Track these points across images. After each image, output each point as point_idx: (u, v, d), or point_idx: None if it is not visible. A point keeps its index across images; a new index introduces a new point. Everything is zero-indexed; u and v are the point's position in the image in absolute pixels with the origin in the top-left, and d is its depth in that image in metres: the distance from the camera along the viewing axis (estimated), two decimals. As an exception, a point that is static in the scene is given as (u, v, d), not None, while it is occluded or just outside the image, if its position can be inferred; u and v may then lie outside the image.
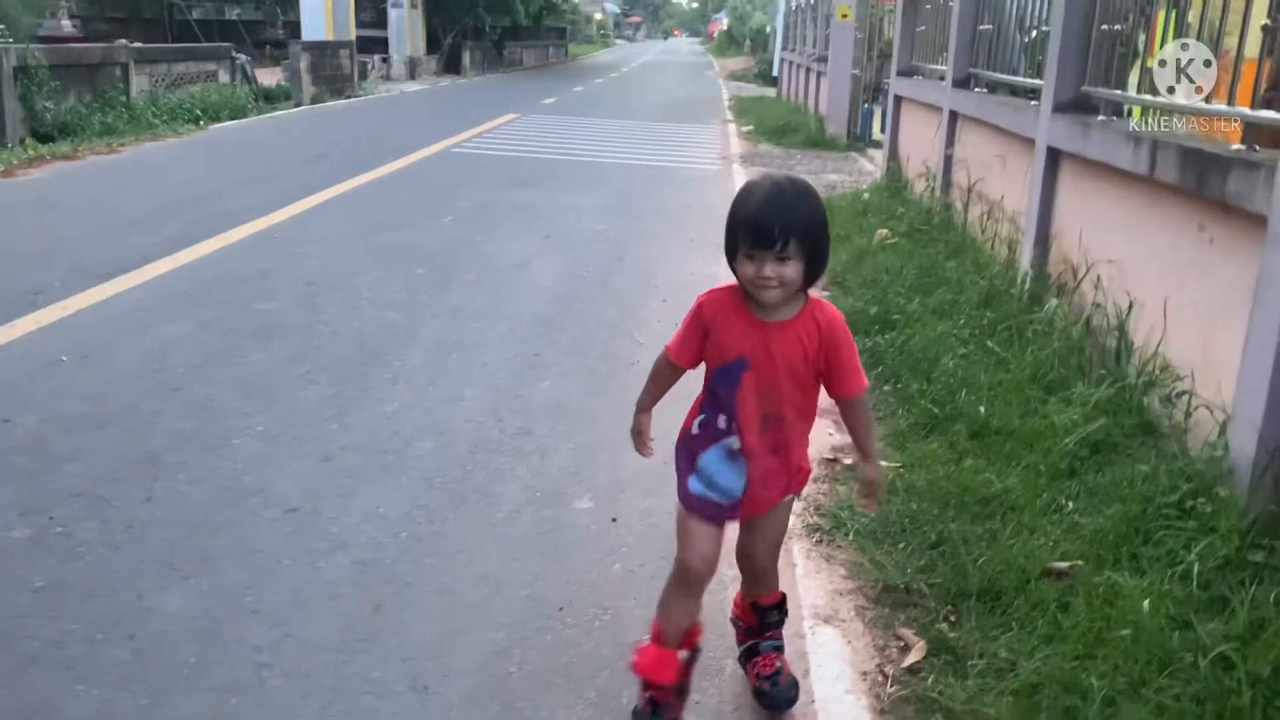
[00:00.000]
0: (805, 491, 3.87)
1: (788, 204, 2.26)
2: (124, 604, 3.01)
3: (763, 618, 2.75)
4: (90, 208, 9.15)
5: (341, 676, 2.72)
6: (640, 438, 2.62)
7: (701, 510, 2.50)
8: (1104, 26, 5.27)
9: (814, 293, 2.43)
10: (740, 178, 12.05)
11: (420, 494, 3.81)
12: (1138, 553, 3.26)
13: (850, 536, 3.57)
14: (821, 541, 3.59)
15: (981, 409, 4.42)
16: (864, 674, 2.85)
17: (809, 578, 3.35)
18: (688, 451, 2.53)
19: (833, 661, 2.90)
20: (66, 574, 3.15)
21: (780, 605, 2.78)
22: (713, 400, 2.47)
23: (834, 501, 3.85)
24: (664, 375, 2.57)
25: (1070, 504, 3.64)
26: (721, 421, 2.46)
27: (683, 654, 2.64)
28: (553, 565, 3.35)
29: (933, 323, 5.69)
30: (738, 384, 2.41)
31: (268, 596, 3.08)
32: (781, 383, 2.41)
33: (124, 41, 16.82)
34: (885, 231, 8.20)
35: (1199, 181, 3.91)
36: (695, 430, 2.52)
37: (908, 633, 3.01)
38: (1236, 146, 3.87)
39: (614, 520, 3.68)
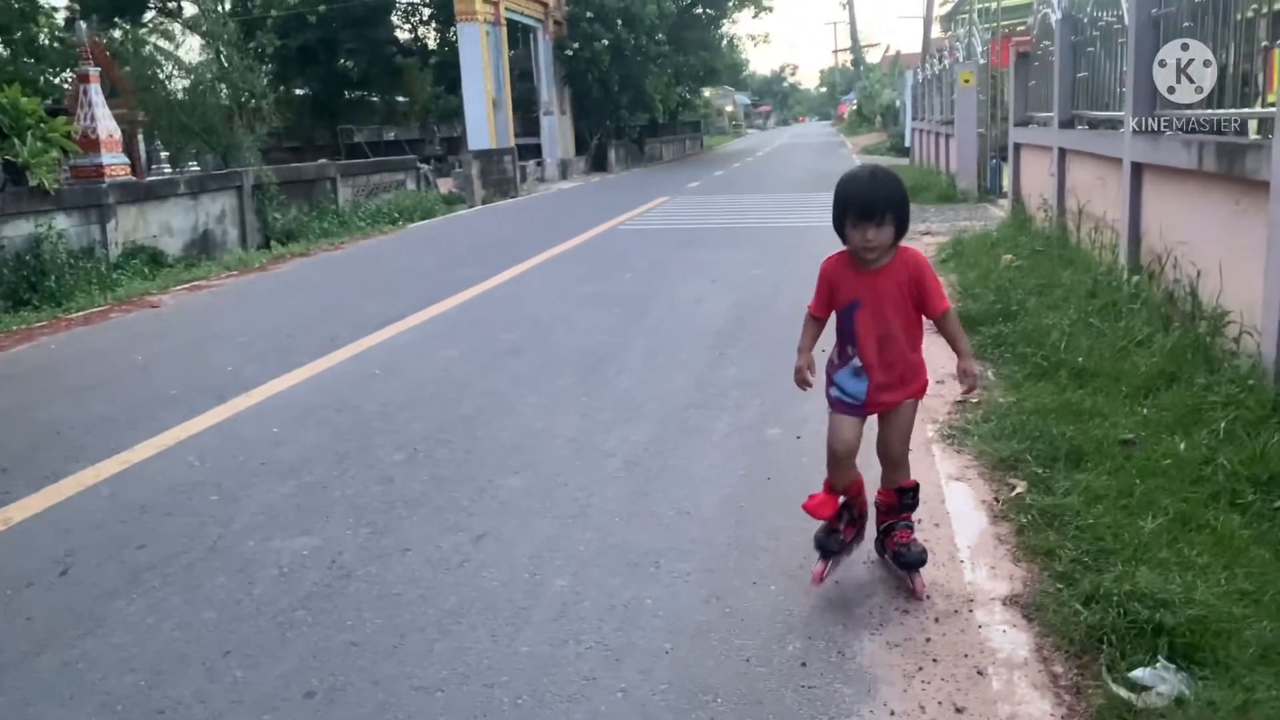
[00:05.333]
0: (942, 416, 5.24)
1: (882, 185, 3.21)
2: (479, 486, 4.61)
3: (900, 498, 3.50)
4: (340, 285, 11.26)
5: (632, 512, 4.22)
6: (800, 373, 3.46)
7: (839, 407, 3.41)
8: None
9: (902, 243, 3.34)
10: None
11: (657, 428, 5.34)
12: (1190, 431, 4.47)
13: (975, 439, 4.88)
14: (953, 443, 4.90)
15: (1080, 359, 5.67)
16: (983, 501, 4.18)
17: (944, 460, 4.68)
18: (829, 374, 3.46)
19: (961, 497, 4.24)
20: (439, 473, 4.79)
21: (914, 490, 3.54)
22: (840, 335, 3.39)
23: (963, 420, 5.15)
24: (810, 326, 3.49)
25: (1143, 410, 4.87)
26: (850, 350, 3.36)
27: (844, 499, 3.51)
28: (757, 460, 4.79)
29: (1046, 313, 6.93)
30: (854, 320, 3.32)
31: (574, 481, 4.64)
32: (887, 311, 3.28)
33: (325, 160, 19.56)
34: (1009, 256, 9.43)
35: (1230, 165, 5.15)
36: (834, 358, 3.44)
37: (1013, 480, 4.31)
38: (1254, 136, 5.12)
39: (798, 438, 5.09)
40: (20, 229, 10.80)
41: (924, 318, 3.40)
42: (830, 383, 3.46)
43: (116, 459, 5.17)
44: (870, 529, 3.66)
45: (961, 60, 18.87)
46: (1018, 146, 12.10)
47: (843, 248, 3.36)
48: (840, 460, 3.42)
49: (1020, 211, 11.88)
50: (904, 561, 3.44)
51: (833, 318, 3.44)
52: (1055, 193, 9.69)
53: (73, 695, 3.04)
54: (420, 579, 3.70)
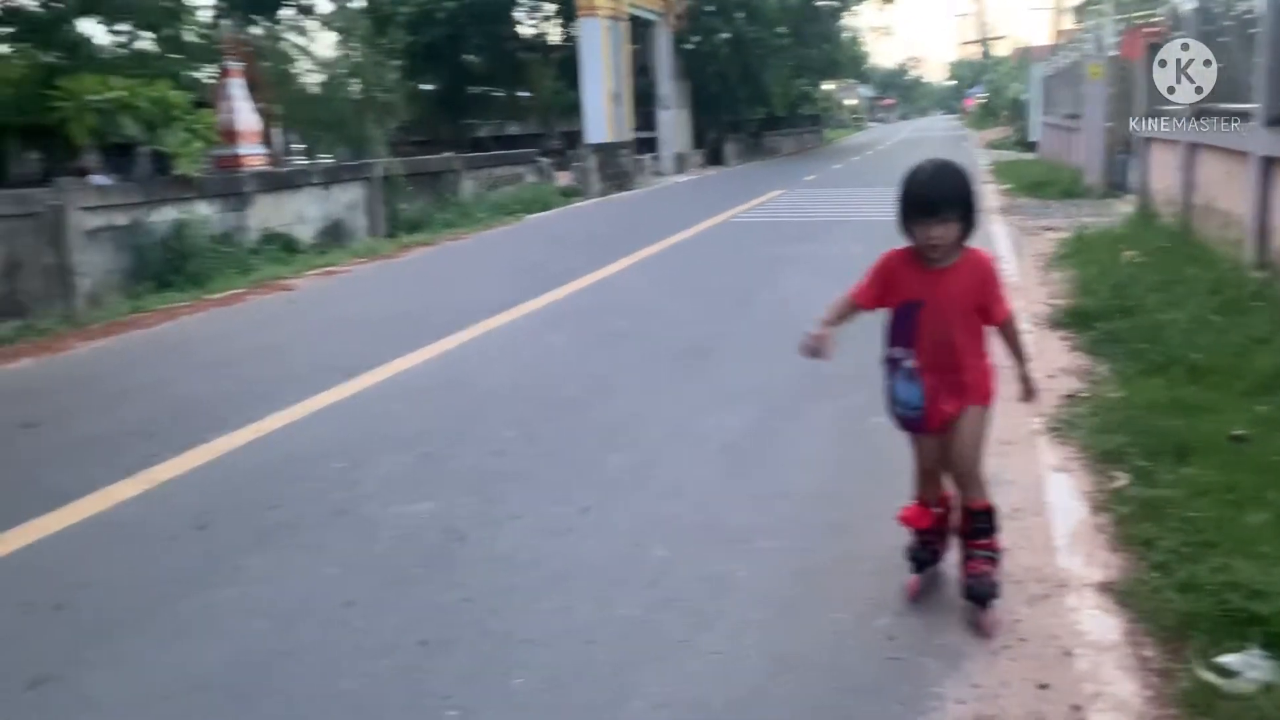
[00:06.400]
0: (1049, 407, 5.20)
1: (949, 179, 3.00)
2: (583, 463, 4.81)
3: (973, 521, 3.20)
4: (460, 274, 11.66)
5: (729, 491, 4.36)
6: (818, 341, 3.22)
7: (905, 426, 3.24)
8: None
9: (969, 244, 3.13)
10: (999, 227, 13.17)
11: (756, 414, 5.45)
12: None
13: (1081, 432, 4.84)
14: (1059, 435, 4.87)
15: (1196, 355, 5.54)
16: (1084, 492, 4.17)
17: (1047, 451, 4.67)
18: (885, 380, 3.25)
19: (1062, 488, 4.24)
20: (547, 449, 5.02)
21: (988, 513, 3.20)
22: (894, 334, 3.18)
23: (1070, 414, 5.10)
24: (844, 309, 3.27)
25: (1259, 407, 4.76)
26: (899, 352, 3.16)
27: (937, 510, 3.35)
28: (857, 448, 4.86)
29: (1165, 309, 6.76)
30: (914, 320, 3.11)
31: (674, 461, 4.79)
32: (948, 316, 3.08)
33: (450, 154, 20.15)
34: (1132, 252, 9.19)
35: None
36: (885, 361, 3.22)
37: (1116, 472, 4.28)
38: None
39: (900, 426, 5.13)
40: (166, 215, 11.47)
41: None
42: (890, 399, 3.26)
43: (251, 428, 5.54)
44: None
45: (1091, 52, 18.33)
46: (1146, 140, 11.74)
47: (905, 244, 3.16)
48: (925, 476, 3.32)
49: (1146, 207, 11.54)
50: (970, 595, 3.18)
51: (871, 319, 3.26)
52: (1181, 188, 9.40)
53: (211, 636, 3.33)
54: (527, 545, 3.90)
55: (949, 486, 3.32)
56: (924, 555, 3.38)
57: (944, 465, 3.25)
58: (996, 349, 3.28)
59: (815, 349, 3.25)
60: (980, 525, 3.20)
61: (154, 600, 3.60)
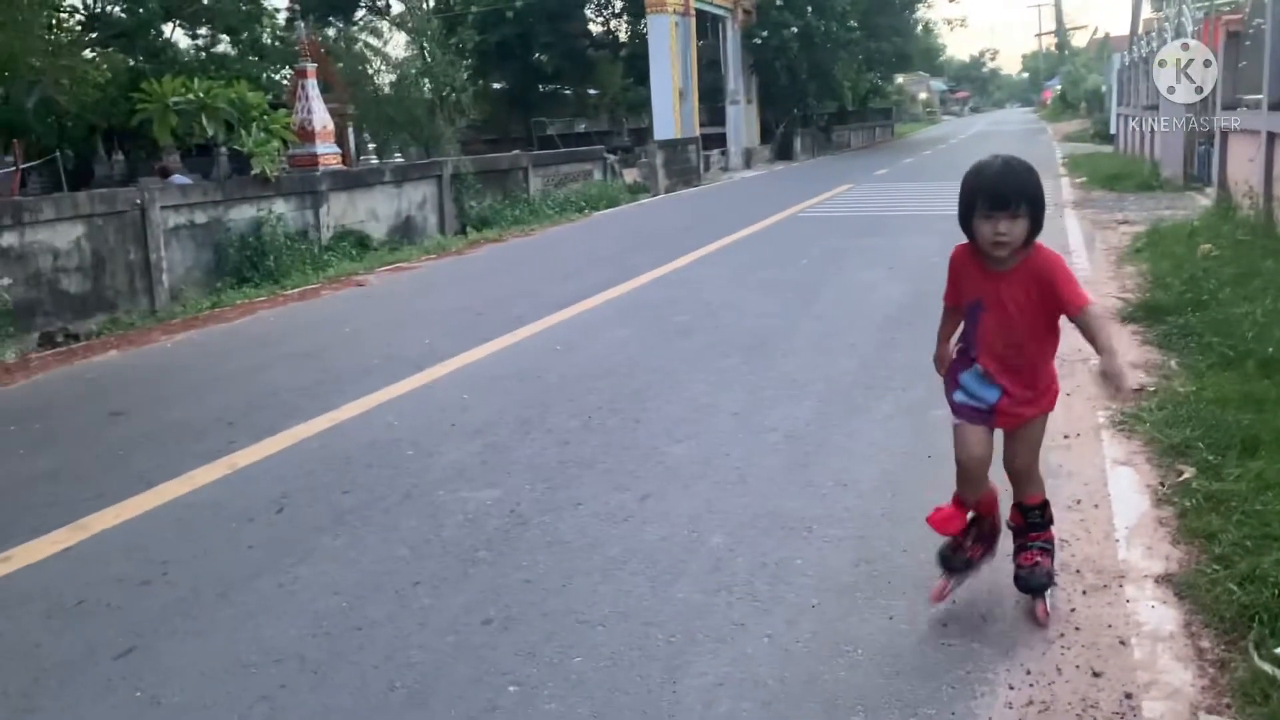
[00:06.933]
0: (1115, 402, 5.13)
1: (1017, 174, 2.91)
2: (646, 452, 4.89)
3: (1026, 516, 3.20)
4: (528, 269, 11.82)
5: (790, 481, 4.41)
6: (941, 362, 3.29)
7: (966, 414, 3.13)
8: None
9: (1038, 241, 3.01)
10: (1072, 220, 12.97)
11: (819, 406, 5.49)
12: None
13: (1146, 425, 4.79)
14: (1124, 429, 4.83)
15: (1270, 349, 5.44)
16: (1147, 485, 4.14)
17: (1112, 445, 4.64)
18: (952, 372, 3.21)
19: (1125, 480, 4.21)
20: (610, 439, 5.11)
21: (1042, 507, 3.21)
22: (964, 334, 3.15)
23: (1136, 408, 5.05)
24: (948, 316, 3.28)
25: (1335, 401, 4.66)
26: (971, 350, 3.12)
27: (971, 514, 3.25)
28: (919, 439, 4.86)
29: (1240, 303, 6.64)
30: (977, 322, 3.07)
31: (736, 451, 4.86)
32: (1014, 319, 2.98)
33: (519, 151, 20.39)
34: (1208, 246, 9.00)
35: None
36: (954, 355, 3.22)
37: (1181, 465, 4.24)
38: None
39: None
40: (244, 213, 11.84)
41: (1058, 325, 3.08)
42: (953, 381, 3.19)
43: (325, 417, 5.73)
44: (1004, 545, 3.36)
45: (1170, 41, 17.88)
46: (1225, 132, 11.45)
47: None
48: (971, 473, 3.17)
49: (1225, 199, 11.26)
50: (1025, 586, 3.15)
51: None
52: (1262, 179, 9.17)
53: (287, 611, 3.49)
54: (589, 530, 4.00)
55: (993, 485, 3.26)
56: (956, 561, 3.27)
57: (1006, 465, 3.20)
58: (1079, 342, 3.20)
59: (941, 366, 3.30)
60: (1034, 520, 3.19)
61: (234, 577, 3.78)
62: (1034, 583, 3.14)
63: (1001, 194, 2.89)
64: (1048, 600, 3.17)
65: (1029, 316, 2.99)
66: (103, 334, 8.96)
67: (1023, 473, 3.18)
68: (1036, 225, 2.93)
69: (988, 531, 3.33)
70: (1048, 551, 3.18)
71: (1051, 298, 2.95)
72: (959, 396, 3.16)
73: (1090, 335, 2.95)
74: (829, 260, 10.94)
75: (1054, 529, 3.28)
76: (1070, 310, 2.94)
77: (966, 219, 2.99)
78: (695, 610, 3.32)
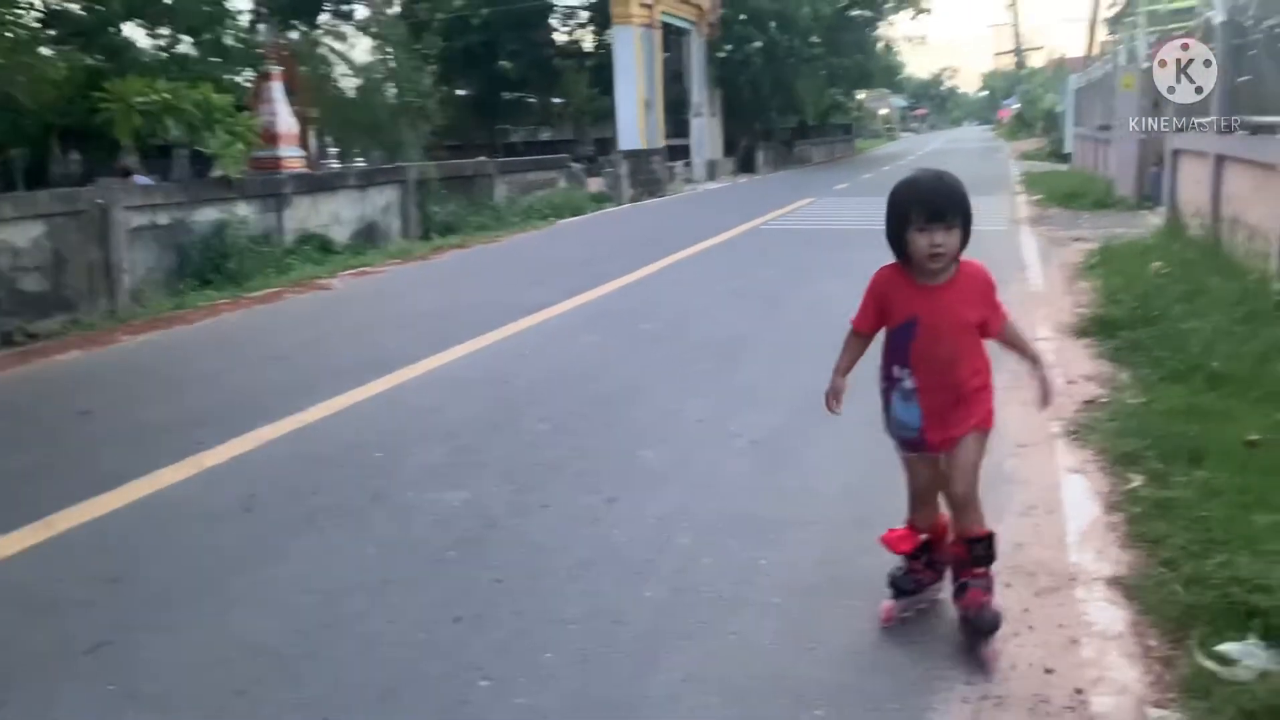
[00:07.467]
0: (1068, 412, 5.30)
1: (951, 187, 2.96)
2: (614, 456, 4.97)
3: (970, 550, 3.09)
4: (494, 275, 11.87)
5: (756, 486, 4.51)
6: (833, 395, 3.23)
7: (900, 440, 3.16)
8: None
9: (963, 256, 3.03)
10: (1028, 236, 13.25)
11: (786, 415, 5.60)
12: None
13: (1098, 435, 4.95)
14: (1077, 438, 4.98)
15: (1216, 364, 5.63)
16: (1098, 492, 4.28)
17: (1065, 453, 4.78)
18: (883, 397, 3.17)
19: (1077, 488, 4.36)
20: (579, 443, 5.19)
21: (986, 541, 3.10)
22: (890, 354, 3.11)
23: (1089, 418, 5.20)
24: (851, 344, 3.22)
25: (1277, 414, 4.84)
26: (896, 370, 3.08)
27: (923, 537, 3.25)
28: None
29: (1188, 319, 6.84)
30: (911, 339, 3.02)
31: (703, 457, 4.96)
32: (947, 334, 2.99)
33: (484, 158, 20.42)
34: (1158, 264, 9.24)
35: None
36: (882, 381, 3.17)
37: (1131, 474, 4.39)
38: None
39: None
40: (207, 215, 11.76)
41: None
42: (887, 416, 3.19)
43: (294, 419, 5.74)
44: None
45: (1124, 64, 18.32)
46: (1176, 153, 11.78)
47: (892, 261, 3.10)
48: (919, 499, 3.23)
49: (1176, 219, 11.56)
50: (975, 628, 3.04)
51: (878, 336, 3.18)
52: (1210, 200, 9.45)
53: (259, 608, 3.53)
54: (557, 531, 4.07)
55: (945, 513, 3.24)
56: (906, 583, 3.27)
57: (940, 488, 3.17)
58: (1008, 360, 3.33)
59: (831, 402, 3.25)
60: (979, 554, 3.09)
61: (204, 575, 3.81)
62: (985, 625, 3.03)
63: (937, 206, 2.92)
64: (995, 641, 3.04)
65: (962, 329, 3.03)
66: (63, 334, 8.88)
67: (960, 499, 3.09)
68: (967, 237, 2.98)
69: (938, 558, 3.30)
70: (990, 590, 3.10)
71: (988, 304, 3.04)
72: (894, 429, 3.19)
73: (1018, 345, 3.14)
74: (793, 272, 11.10)
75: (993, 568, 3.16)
76: (995, 328, 3.07)
77: (899, 234, 2.99)
78: (662, 609, 3.41)
